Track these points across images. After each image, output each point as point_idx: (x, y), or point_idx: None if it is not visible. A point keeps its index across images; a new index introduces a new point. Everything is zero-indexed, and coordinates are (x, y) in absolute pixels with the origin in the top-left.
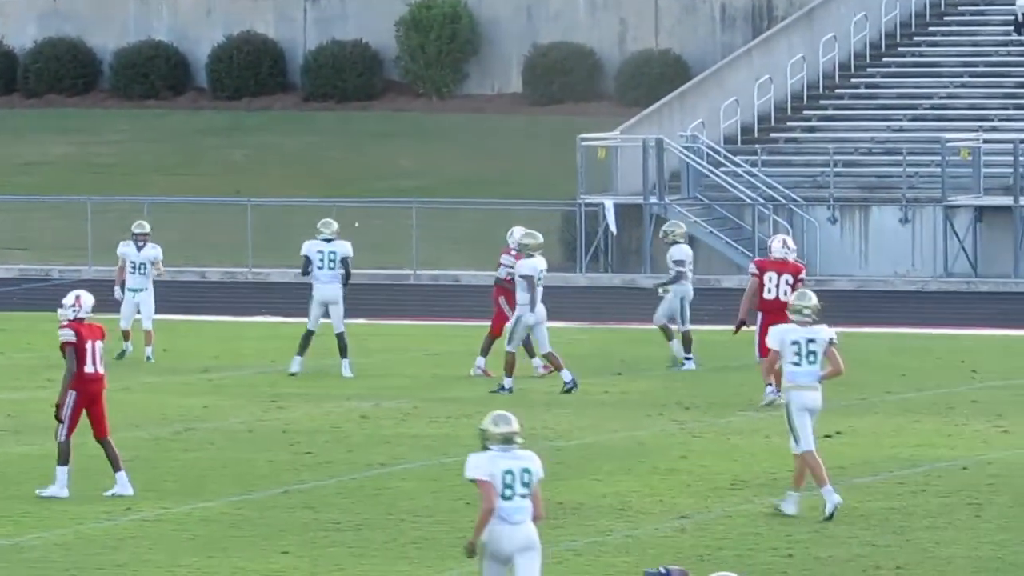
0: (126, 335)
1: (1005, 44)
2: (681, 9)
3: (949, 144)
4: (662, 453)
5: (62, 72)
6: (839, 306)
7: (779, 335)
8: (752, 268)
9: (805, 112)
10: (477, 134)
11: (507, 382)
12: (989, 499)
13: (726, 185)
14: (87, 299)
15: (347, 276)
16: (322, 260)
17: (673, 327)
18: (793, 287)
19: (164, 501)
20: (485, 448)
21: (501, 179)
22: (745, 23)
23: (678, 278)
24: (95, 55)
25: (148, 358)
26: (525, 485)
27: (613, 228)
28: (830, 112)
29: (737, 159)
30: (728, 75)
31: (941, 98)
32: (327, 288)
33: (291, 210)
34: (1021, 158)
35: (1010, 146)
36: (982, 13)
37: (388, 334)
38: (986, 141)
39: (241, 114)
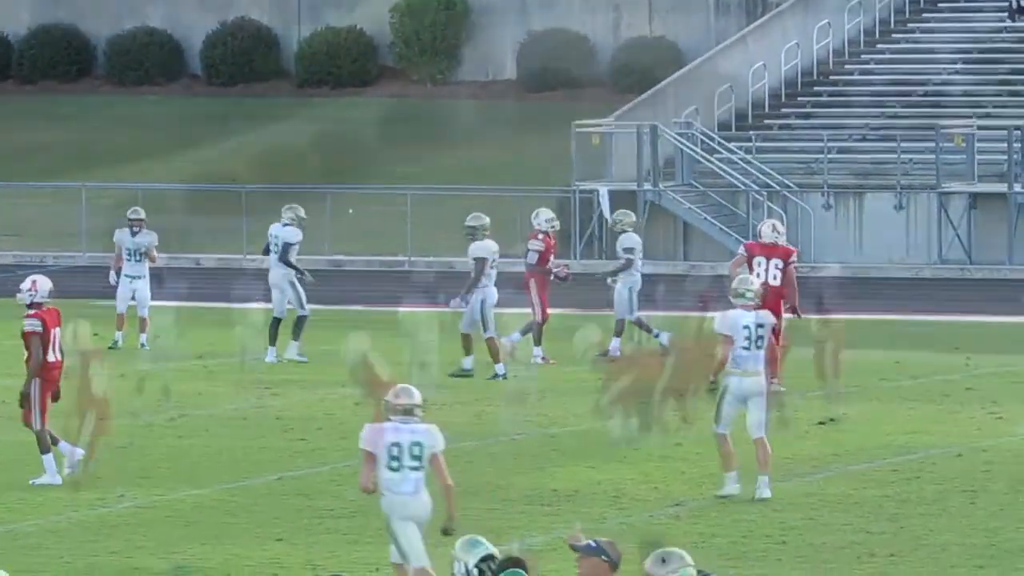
0: (120, 320)
1: (999, 30)
2: None
3: (943, 131)
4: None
5: (56, 59)
6: (833, 293)
7: (732, 320)
8: (741, 250)
9: (799, 99)
10: (471, 121)
11: (499, 368)
12: (983, 486)
13: (720, 172)
14: (43, 283)
15: (286, 262)
16: (271, 245)
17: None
18: (784, 271)
19: (158, 488)
20: (388, 420)
21: (495, 166)
22: (739, 9)
23: (627, 266)
24: (89, 41)
25: (142, 345)
26: (415, 458)
27: (608, 215)
28: (824, 99)
29: (731, 146)
30: (722, 61)
31: (935, 84)
32: (271, 272)
33: (285, 197)
34: (1015, 144)
35: (1004, 132)
36: None
37: (382, 321)
38: (980, 128)
39: (235, 100)
